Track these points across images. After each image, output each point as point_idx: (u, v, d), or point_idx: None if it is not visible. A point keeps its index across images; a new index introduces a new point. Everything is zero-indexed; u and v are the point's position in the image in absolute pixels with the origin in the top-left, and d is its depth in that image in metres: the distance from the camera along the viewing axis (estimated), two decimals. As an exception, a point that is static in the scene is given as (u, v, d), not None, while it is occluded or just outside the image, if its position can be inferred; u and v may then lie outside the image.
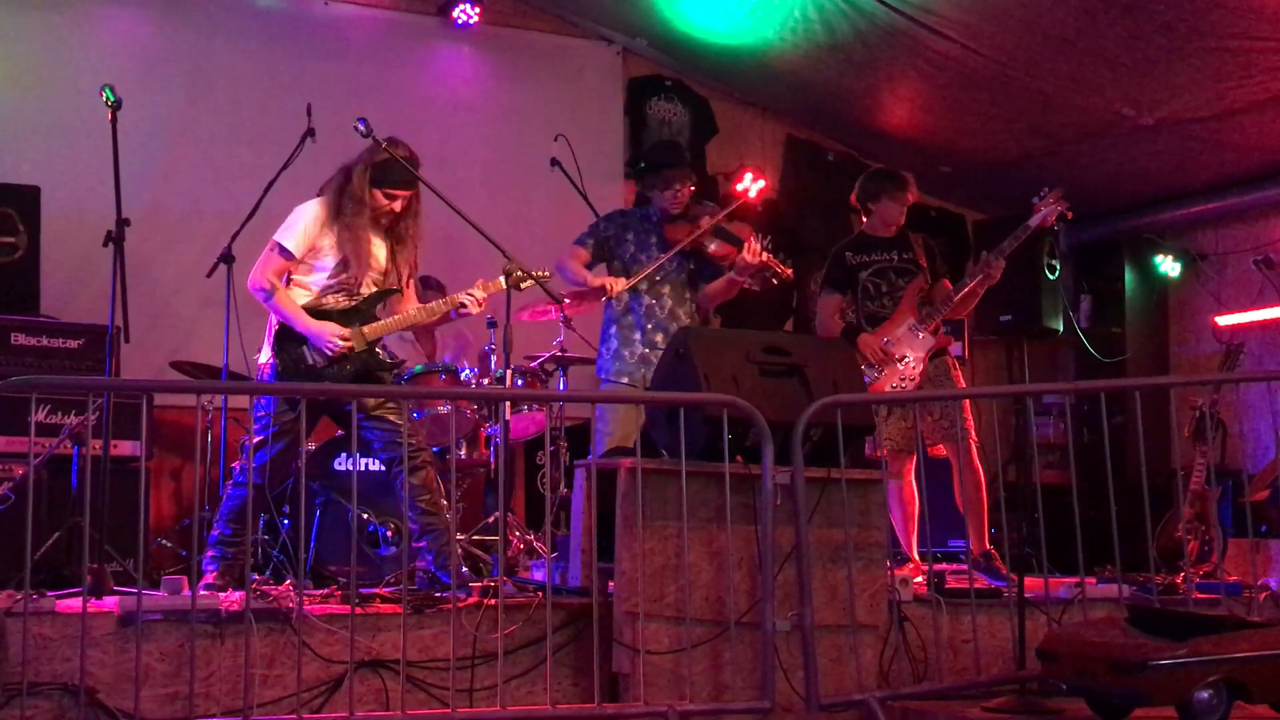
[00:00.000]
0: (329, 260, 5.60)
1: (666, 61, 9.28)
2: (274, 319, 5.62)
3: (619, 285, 6.26)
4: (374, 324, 5.65)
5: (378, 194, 5.60)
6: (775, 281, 6.38)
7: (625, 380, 6.29)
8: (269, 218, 6.06)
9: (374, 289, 5.69)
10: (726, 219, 6.43)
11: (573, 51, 9.09)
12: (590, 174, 7.27)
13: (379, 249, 5.69)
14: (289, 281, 5.62)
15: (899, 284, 6.64)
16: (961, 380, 6.82)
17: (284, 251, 5.54)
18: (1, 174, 7.16)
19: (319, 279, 5.61)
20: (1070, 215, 6.61)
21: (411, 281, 5.87)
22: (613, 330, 6.40)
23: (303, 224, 5.57)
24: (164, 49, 7.97)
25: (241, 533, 5.43)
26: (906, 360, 6.51)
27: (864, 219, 6.96)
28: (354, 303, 5.64)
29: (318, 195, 5.67)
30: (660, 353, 6.15)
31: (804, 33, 7.96)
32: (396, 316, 5.74)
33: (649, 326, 6.33)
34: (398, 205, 5.65)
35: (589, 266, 6.48)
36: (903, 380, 6.49)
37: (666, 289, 6.37)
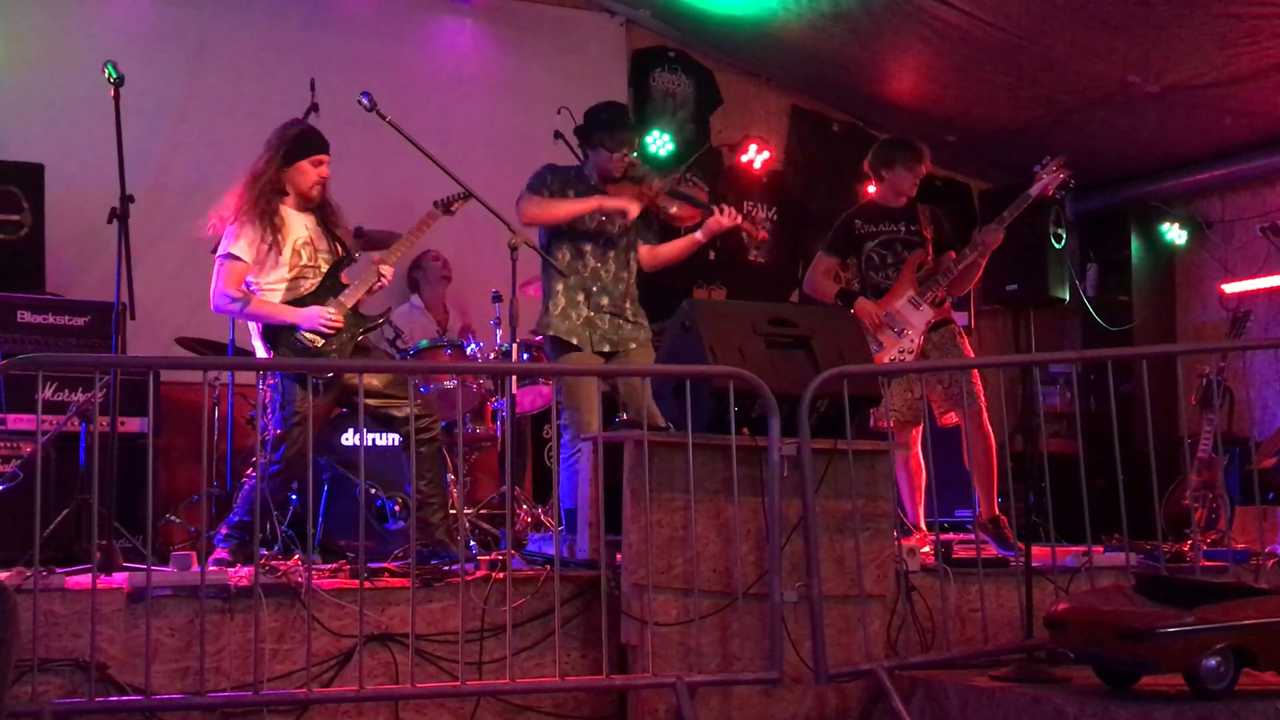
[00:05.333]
0: (282, 255, 5.62)
1: (670, 33, 9.25)
2: (252, 326, 5.67)
3: (636, 208, 6.06)
4: (346, 292, 5.69)
5: (304, 166, 5.63)
6: (751, 244, 6.32)
7: (574, 340, 6.04)
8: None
9: (325, 264, 5.72)
10: (680, 179, 6.33)
11: (575, 23, 9.06)
12: (595, 147, 7.24)
13: (314, 229, 5.72)
14: (253, 290, 5.64)
15: (904, 256, 6.62)
16: (969, 349, 6.81)
17: (235, 259, 5.56)
18: (6, 151, 7.15)
19: (282, 274, 5.64)
20: (1073, 184, 6.58)
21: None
22: (559, 288, 6.11)
23: (242, 229, 5.58)
24: (166, 25, 7.95)
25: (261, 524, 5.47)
26: (906, 332, 6.50)
27: (875, 186, 6.95)
28: (321, 279, 5.69)
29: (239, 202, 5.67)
30: (606, 316, 6.07)
31: (808, 2, 7.92)
32: (360, 279, 5.73)
33: (594, 289, 6.09)
34: (326, 170, 5.68)
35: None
36: (902, 352, 6.48)
37: (611, 254, 6.16)
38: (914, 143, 6.80)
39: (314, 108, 6.23)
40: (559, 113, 6.85)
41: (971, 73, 8.33)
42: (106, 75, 5.44)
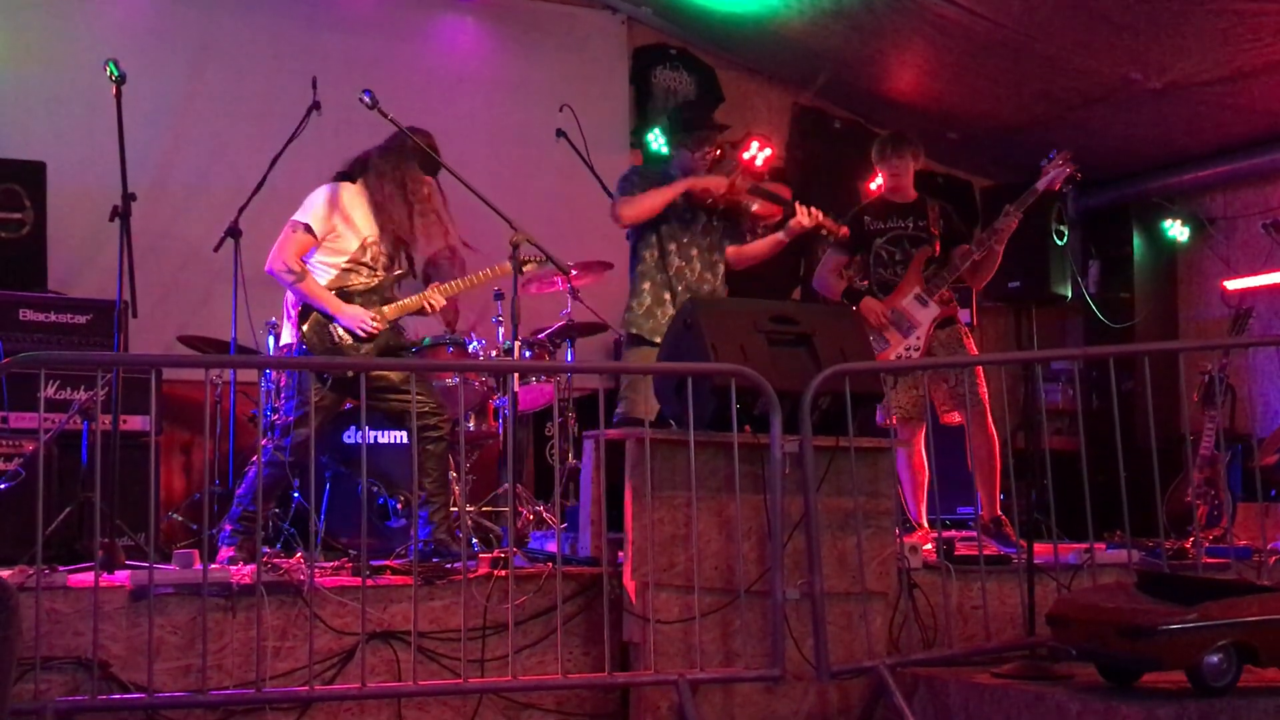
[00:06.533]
0: (349, 242, 5.65)
1: (671, 30, 9.25)
2: (292, 299, 5.65)
3: (721, 184, 6.09)
4: (394, 304, 5.73)
5: (411, 177, 5.68)
6: (830, 239, 6.34)
7: (659, 340, 5.97)
8: (275, 192, 6.07)
9: (386, 271, 5.76)
10: (760, 177, 6.36)
11: (577, 21, 9.06)
12: (596, 144, 7.27)
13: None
14: (306, 260, 5.66)
15: (912, 253, 6.61)
16: (974, 348, 6.80)
17: (308, 229, 5.58)
18: (8, 150, 7.15)
19: (340, 260, 5.66)
20: (1079, 177, 6.55)
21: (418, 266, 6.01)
22: (646, 286, 6.16)
23: (323, 204, 5.63)
24: (168, 23, 7.96)
25: (264, 511, 5.46)
26: (912, 330, 6.49)
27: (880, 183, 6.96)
28: (375, 282, 5.70)
29: (342, 179, 5.74)
30: None
31: (810, -1, 7.94)
32: (415, 297, 5.83)
33: (680, 289, 6.11)
34: (426, 190, 5.74)
35: None
36: (908, 350, 6.47)
37: (694, 251, 6.19)
38: (898, 134, 6.79)
39: (316, 106, 6.23)
40: (560, 110, 6.87)
41: (973, 70, 8.33)
42: (108, 73, 5.44)
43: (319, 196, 5.67)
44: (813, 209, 6.15)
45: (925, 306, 6.51)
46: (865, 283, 6.68)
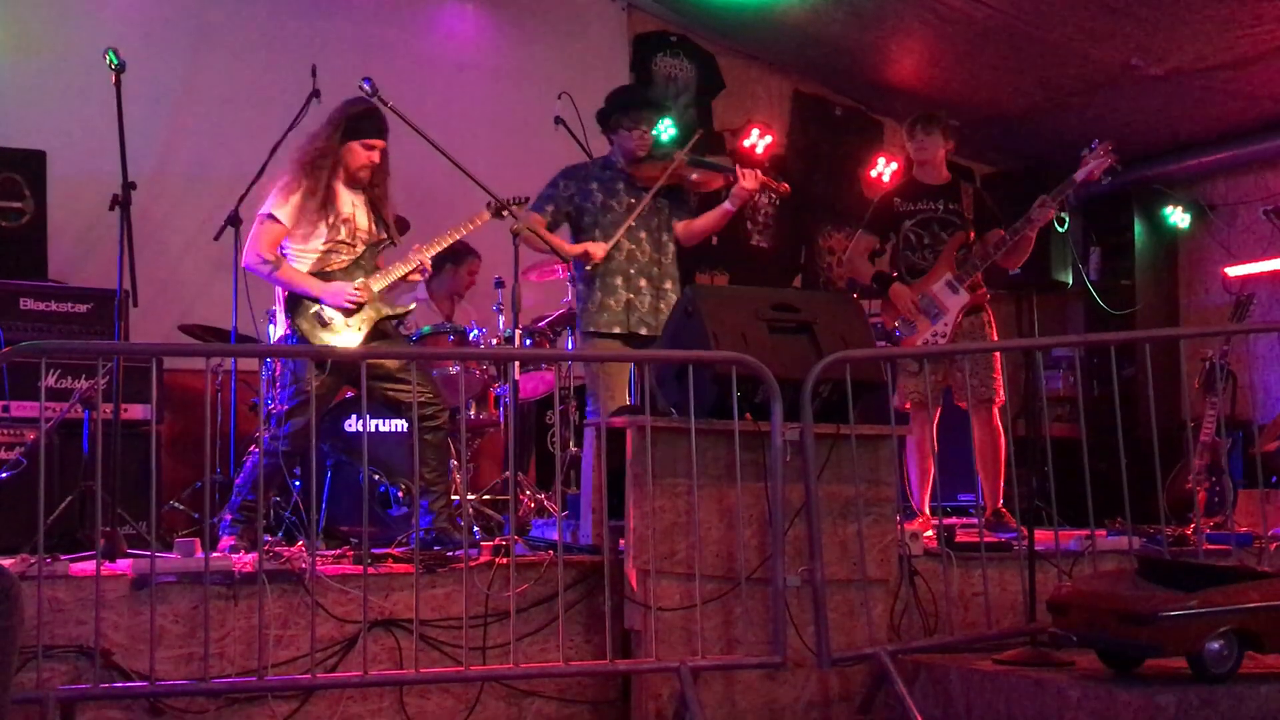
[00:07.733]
0: (319, 227, 5.60)
1: (672, 17, 9.23)
2: (280, 291, 5.64)
3: (600, 250, 6.15)
4: (377, 275, 5.69)
5: (356, 147, 5.61)
6: (774, 198, 6.39)
7: (617, 329, 6.15)
8: (275, 180, 6.05)
9: (362, 245, 5.71)
10: (697, 149, 6.42)
11: (577, 8, 9.05)
12: (595, 132, 7.23)
13: (359, 209, 5.70)
14: (285, 254, 5.62)
15: (941, 236, 6.59)
16: (996, 338, 6.78)
17: (275, 220, 5.53)
18: (7, 139, 7.13)
19: (316, 244, 5.62)
20: (1120, 169, 6.49)
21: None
22: (595, 284, 6.20)
23: (287, 193, 5.56)
24: (167, 10, 7.93)
25: (265, 500, 5.44)
26: (940, 317, 6.48)
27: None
28: (355, 256, 5.67)
29: (291, 167, 5.68)
30: (646, 298, 6.17)
31: (810, -15, 7.92)
32: (397, 265, 5.75)
33: (631, 272, 6.18)
34: (376, 155, 5.67)
35: (550, 230, 6.32)
36: (935, 335, 6.46)
37: (643, 234, 6.24)
38: (925, 113, 6.75)
39: (315, 94, 6.22)
40: (560, 98, 6.85)
41: (974, 56, 8.32)
42: (108, 62, 5.44)
43: (278, 184, 5.61)
44: (754, 171, 6.22)
45: (956, 293, 6.50)
46: (895, 274, 6.63)
